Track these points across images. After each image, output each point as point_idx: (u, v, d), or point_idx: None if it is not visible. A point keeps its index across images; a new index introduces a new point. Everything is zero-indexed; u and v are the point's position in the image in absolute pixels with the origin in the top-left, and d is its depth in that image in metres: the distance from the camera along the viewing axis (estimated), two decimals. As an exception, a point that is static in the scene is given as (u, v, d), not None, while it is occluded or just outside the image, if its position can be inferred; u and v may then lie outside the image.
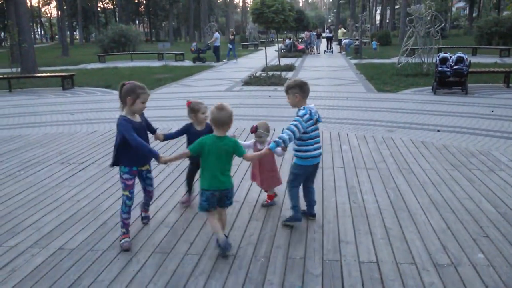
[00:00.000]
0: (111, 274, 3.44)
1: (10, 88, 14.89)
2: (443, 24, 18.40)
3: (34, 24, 79.70)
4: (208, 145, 3.54)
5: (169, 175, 5.76)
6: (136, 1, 72.15)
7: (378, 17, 73.80)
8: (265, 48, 17.67)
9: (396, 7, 61.30)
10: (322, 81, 15.75)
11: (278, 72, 17.12)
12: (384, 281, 3.27)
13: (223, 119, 3.51)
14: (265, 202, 4.73)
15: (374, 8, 68.67)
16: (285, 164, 6.00)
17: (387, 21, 63.94)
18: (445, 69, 11.96)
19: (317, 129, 4.11)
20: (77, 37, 69.62)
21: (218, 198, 3.66)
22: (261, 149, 4.20)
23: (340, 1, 61.70)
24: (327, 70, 19.60)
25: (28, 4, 49.83)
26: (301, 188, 4.32)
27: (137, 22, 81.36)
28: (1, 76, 16.07)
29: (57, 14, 66.07)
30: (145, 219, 4.38)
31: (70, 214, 4.60)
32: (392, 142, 7.16)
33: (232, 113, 3.57)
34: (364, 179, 5.47)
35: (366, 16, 42.00)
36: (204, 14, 50.48)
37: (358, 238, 3.94)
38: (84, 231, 4.20)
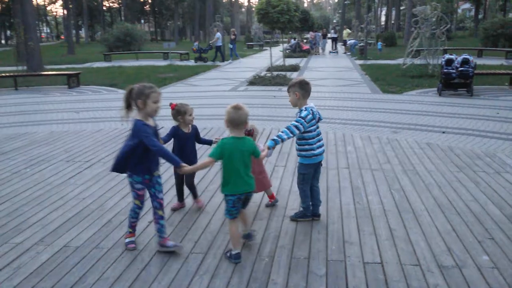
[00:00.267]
0: (116, 272, 3.46)
1: (16, 86, 14.95)
2: (448, 26, 18.34)
3: (40, 23, 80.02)
4: (229, 148, 3.43)
5: (173, 175, 5.76)
6: (142, 0, 72.33)
7: (383, 18, 73.67)
8: (270, 48, 17.66)
9: (401, 8, 61.15)
10: (327, 81, 15.73)
11: (283, 73, 17.12)
12: (388, 282, 3.27)
13: (242, 118, 3.44)
14: (269, 202, 4.74)
15: (379, 9, 68.54)
16: (290, 163, 6.00)
17: (393, 22, 63.81)
18: (450, 70, 11.92)
19: (319, 127, 4.16)
20: (83, 36, 69.82)
21: (243, 201, 3.61)
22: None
23: (345, 2, 61.61)
24: (332, 71, 19.57)
25: (34, 3, 50.06)
26: None
27: (142, 21, 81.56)
28: (7, 74, 16.14)
29: (63, 12, 66.43)
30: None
31: (76, 212, 4.62)
32: (397, 143, 7.15)
33: (248, 113, 3.52)
34: (368, 180, 5.47)
35: (371, 17, 41.97)
36: (209, 13, 50.55)
37: (363, 239, 3.93)
38: (89, 229, 4.22)
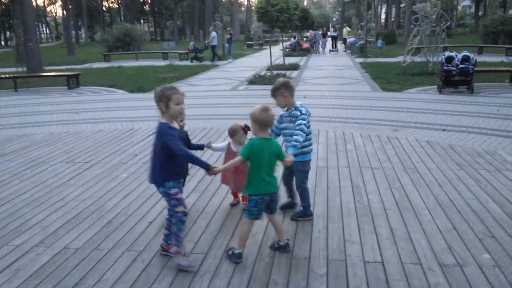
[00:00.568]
0: (116, 273, 3.45)
1: (15, 87, 14.96)
2: (448, 23, 18.30)
3: (40, 24, 80.00)
4: (257, 148, 3.43)
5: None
6: (141, 0, 72.27)
7: (383, 16, 73.57)
8: (270, 47, 17.65)
9: (401, 5, 61.05)
10: (327, 80, 15.72)
11: (283, 71, 17.11)
12: (389, 281, 3.26)
13: (270, 120, 3.47)
14: (242, 204, 4.67)
15: (379, 6, 68.45)
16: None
17: (393, 19, 63.71)
18: (450, 68, 11.91)
19: None
20: (83, 37, 69.82)
21: (267, 202, 3.58)
22: (236, 151, 4.30)
23: (345, 0, 61.51)
24: (332, 69, 19.56)
25: (34, 4, 50.03)
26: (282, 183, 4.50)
27: (142, 21, 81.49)
28: (7, 76, 16.15)
29: (63, 13, 66.36)
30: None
31: (75, 213, 4.61)
32: (397, 142, 7.13)
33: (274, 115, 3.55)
34: (369, 178, 5.46)
35: (371, 14, 41.93)
36: (208, 13, 50.50)
37: (363, 238, 3.92)
38: (89, 230, 4.21)
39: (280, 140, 4.06)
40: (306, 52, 31.11)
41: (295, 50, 31.01)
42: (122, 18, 65.48)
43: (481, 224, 4.14)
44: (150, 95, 14.14)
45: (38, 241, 4.02)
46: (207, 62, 24.41)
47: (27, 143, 7.69)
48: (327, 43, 34.40)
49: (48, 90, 14.94)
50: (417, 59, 17.11)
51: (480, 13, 57.66)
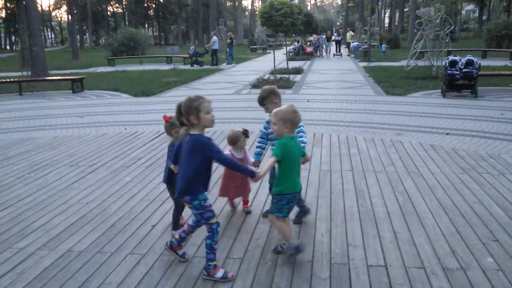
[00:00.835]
0: (119, 277, 3.45)
1: (20, 92, 15.04)
2: (452, 27, 18.30)
3: (45, 28, 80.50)
4: (288, 147, 3.47)
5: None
6: (146, 5, 72.61)
7: (387, 20, 73.58)
8: (274, 51, 17.68)
9: (405, 10, 61.07)
10: (331, 84, 15.72)
11: (287, 75, 17.12)
12: (392, 285, 3.25)
13: (299, 119, 3.55)
14: (246, 207, 4.69)
15: (383, 11, 68.48)
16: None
17: (396, 24, 63.75)
18: (454, 72, 11.88)
19: None
20: (87, 41, 70.20)
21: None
22: (240, 158, 4.39)
23: (349, 4, 61.60)
24: (335, 73, 19.56)
25: (39, 8, 50.35)
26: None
27: (146, 25, 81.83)
28: (11, 80, 16.25)
29: (68, 18, 66.77)
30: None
31: (79, 217, 4.63)
32: (401, 145, 7.12)
33: None
34: (372, 182, 5.45)
35: (375, 19, 41.95)
36: (213, 17, 50.71)
37: (367, 242, 3.91)
38: (92, 233, 4.22)
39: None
40: (309, 56, 31.14)
41: (299, 54, 31.03)
42: (126, 22, 65.84)
43: (484, 228, 4.12)
44: (154, 99, 14.16)
45: (41, 244, 4.04)
46: (207, 67, 24.44)
47: (31, 146, 7.73)
48: (331, 46, 34.38)
49: (53, 94, 15.02)
50: (420, 63, 17.08)
51: (484, 17, 57.58)
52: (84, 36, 71.39)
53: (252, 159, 4.43)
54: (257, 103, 4.27)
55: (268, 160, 3.50)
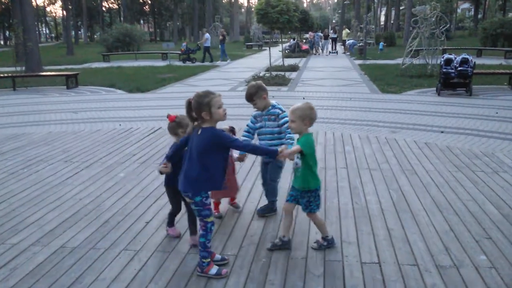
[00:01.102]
0: (113, 273, 3.44)
1: (14, 87, 14.93)
2: (448, 25, 18.33)
3: (39, 23, 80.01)
4: (313, 143, 3.60)
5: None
6: (141, 1, 72.29)
7: (382, 18, 73.66)
8: (269, 48, 17.66)
9: (401, 8, 61.15)
10: (326, 81, 15.73)
11: (282, 73, 17.10)
12: (386, 282, 3.26)
13: (316, 117, 3.61)
14: (234, 204, 4.65)
15: (379, 9, 68.51)
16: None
17: (392, 22, 63.83)
18: (449, 70, 11.92)
19: None
20: (82, 37, 69.85)
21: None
22: (232, 156, 4.35)
23: (345, 2, 61.62)
24: (331, 71, 19.57)
25: (34, 3, 50.00)
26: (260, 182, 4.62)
27: (141, 21, 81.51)
28: (6, 75, 16.13)
29: (62, 13, 66.40)
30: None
31: (73, 213, 4.61)
32: (395, 143, 7.14)
33: None
34: (367, 180, 5.46)
35: (371, 17, 41.96)
36: (208, 14, 50.61)
37: (361, 239, 3.92)
38: (86, 230, 4.20)
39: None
40: (305, 53, 31.14)
41: (294, 51, 31.03)
42: (122, 18, 65.49)
43: (478, 226, 4.14)
44: (149, 95, 14.12)
45: (35, 240, 4.02)
46: (199, 63, 24.36)
47: (25, 142, 7.68)
48: (328, 44, 34.37)
49: (47, 89, 14.93)
50: (416, 61, 17.12)
51: (480, 16, 57.78)
52: (79, 32, 71.08)
53: (236, 155, 4.38)
54: (246, 100, 4.28)
55: (297, 147, 3.49)
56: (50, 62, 24.70)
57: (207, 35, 25.97)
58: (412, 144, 7.06)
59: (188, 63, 24.44)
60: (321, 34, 34.45)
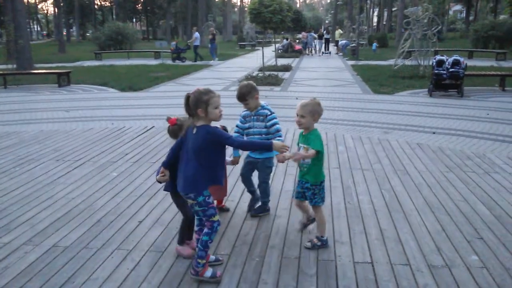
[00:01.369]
0: (105, 272, 3.43)
1: (5, 85, 14.81)
2: (439, 27, 18.47)
3: (31, 21, 79.38)
4: (322, 138, 3.67)
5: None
6: (134, -1, 71.96)
7: (375, 19, 73.96)
8: (262, 48, 17.67)
9: (393, 9, 61.43)
10: (319, 82, 15.77)
11: (275, 73, 17.12)
12: (378, 281, 3.28)
13: (322, 112, 3.70)
14: (222, 207, 4.61)
15: (371, 10, 68.81)
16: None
17: (384, 23, 64.08)
18: (441, 71, 12.00)
19: None
20: (74, 34, 69.37)
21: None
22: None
23: (338, 3, 61.75)
24: (323, 71, 19.62)
25: (25, 1, 49.58)
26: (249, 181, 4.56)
27: (134, 20, 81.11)
28: (-4, 72, 15.99)
29: (54, 11, 65.88)
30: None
31: (65, 212, 4.58)
32: (387, 144, 7.17)
33: None
34: (359, 180, 5.48)
35: (363, 17, 42.12)
36: (201, 13, 50.40)
37: (353, 239, 3.94)
38: (78, 229, 4.18)
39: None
40: (298, 53, 31.18)
41: (287, 51, 31.05)
42: (114, 16, 65.17)
43: (469, 226, 4.17)
44: (142, 94, 14.05)
45: (26, 239, 3.99)
46: (189, 62, 24.29)
47: (16, 140, 7.62)
48: (322, 45, 34.39)
49: (39, 87, 14.82)
50: (408, 62, 17.22)
51: (471, 18, 58.20)
52: (71, 30, 70.59)
53: (228, 158, 4.19)
54: (237, 100, 4.25)
55: (312, 152, 3.56)
56: (41, 60, 24.51)
57: (196, 34, 25.93)
58: (404, 145, 7.10)
59: (178, 62, 24.36)
60: (315, 35, 34.48)
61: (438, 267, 3.47)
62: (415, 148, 6.90)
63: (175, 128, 3.59)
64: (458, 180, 5.46)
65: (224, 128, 4.15)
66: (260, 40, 40.45)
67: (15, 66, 18.34)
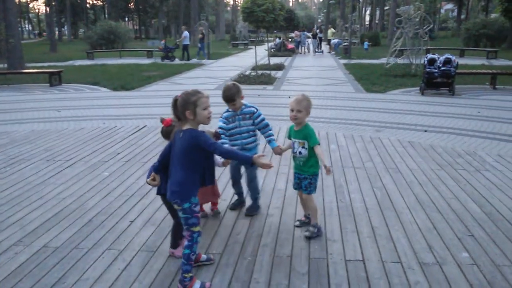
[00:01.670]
0: (96, 272, 3.41)
1: (-4, 84, 14.70)
2: (431, 26, 18.55)
3: (22, 20, 78.78)
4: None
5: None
6: (126, -3, 71.63)
7: (367, 18, 74.16)
8: (255, 47, 17.66)
9: (385, 8, 61.62)
10: (311, 80, 15.79)
11: (268, 71, 17.12)
12: (370, 279, 3.29)
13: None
14: (214, 210, 4.53)
15: (364, 8, 68.97)
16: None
17: (377, 22, 64.29)
18: (433, 70, 12.06)
19: None
20: (66, 34, 68.92)
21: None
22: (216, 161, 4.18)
23: (330, 1, 61.84)
24: (316, 70, 19.65)
25: (16, 0, 49.31)
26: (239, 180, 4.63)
27: (126, 19, 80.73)
28: (-13, 72, 15.85)
29: (46, 9, 65.42)
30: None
31: (55, 212, 4.55)
32: (379, 142, 7.20)
33: None
34: (351, 178, 5.49)
35: (356, 16, 42.22)
36: (194, 12, 50.28)
37: (345, 237, 3.95)
38: (69, 229, 4.15)
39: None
40: (291, 52, 31.20)
41: (280, 50, 31.07)
42: (106, 15, 64.86)
43: (460, 224, 4.20)
44: (134, 93, 13.98)
45: (17, 239, 3.95)
46: (178, 61, 24.22)
47: (7, 140, 7.56)
48: (316, 44, 34.40)
49: (30, 87, 14.71)
50: (400, 61, 17.29)
51: (463, 16, 58.54)
52: (63, 29, 70.14)
53: (220, 160, 4.08)
54: (225, 101, 4.23)
55: (320, 150, 3.80)
56: (32, 59, 24.34)
57: (185, 33, 25.85)
58: (396, 143, 7.13)
59: (167, 61, 24.26)
60: (308, 34, 34.50)
61: (429, 264, 3.48)
62: (406, 146, 6.93)
63: (169, 129, 3.49)
64: (449, 177, 5.49)
65: (217, 134, 3.98)
66: (253, 39, 40.42)
67: (6, 65, 18.19)
